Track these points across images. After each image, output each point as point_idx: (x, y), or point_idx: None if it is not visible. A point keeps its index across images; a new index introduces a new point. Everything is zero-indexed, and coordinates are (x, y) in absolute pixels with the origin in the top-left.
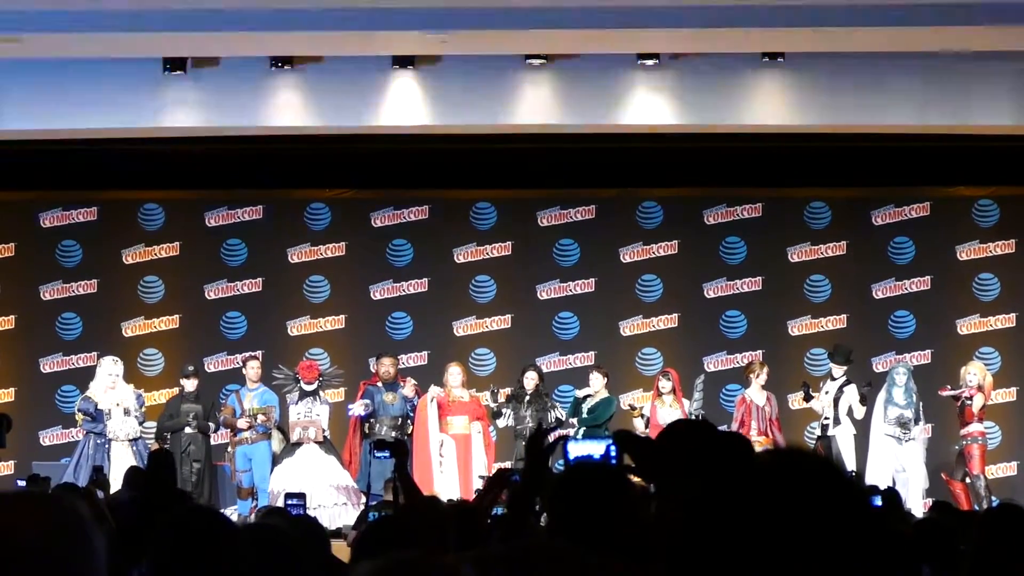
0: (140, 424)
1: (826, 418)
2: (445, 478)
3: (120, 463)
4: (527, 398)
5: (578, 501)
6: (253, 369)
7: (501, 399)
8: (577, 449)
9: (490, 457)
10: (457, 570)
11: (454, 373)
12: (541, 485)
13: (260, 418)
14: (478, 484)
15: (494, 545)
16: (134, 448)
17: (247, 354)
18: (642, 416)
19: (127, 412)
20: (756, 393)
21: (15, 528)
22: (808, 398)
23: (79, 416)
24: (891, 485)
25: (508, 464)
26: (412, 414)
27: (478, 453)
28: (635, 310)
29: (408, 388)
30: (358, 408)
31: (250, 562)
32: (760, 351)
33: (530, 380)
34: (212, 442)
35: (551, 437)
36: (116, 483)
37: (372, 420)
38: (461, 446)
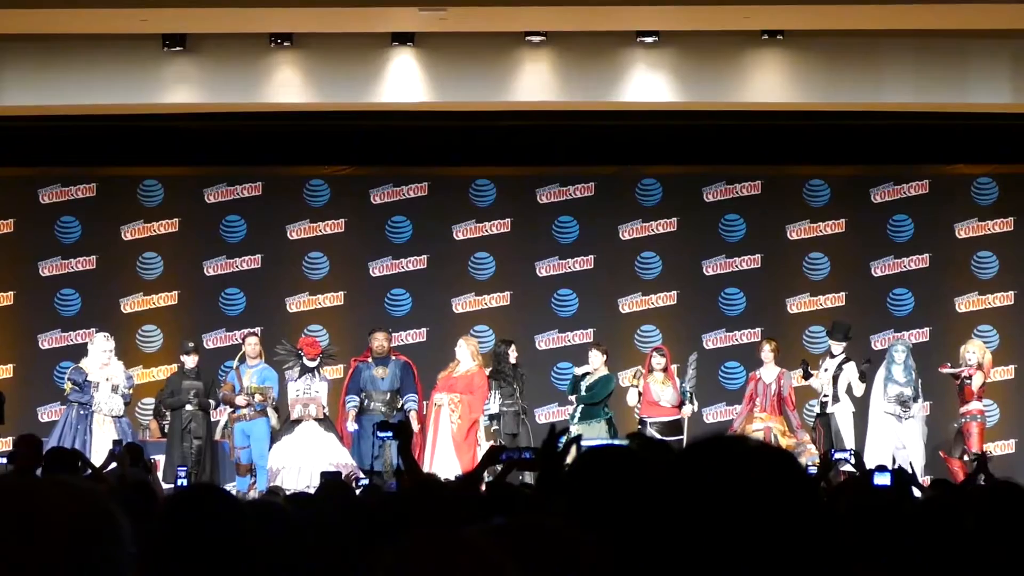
0: (126, 404)
1: (825, 395)
2: (425, 453)
3: (102, 437)
4: (502, 374)
5: (594, 481)
6: (252, 345)
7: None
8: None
9: (456, 436)
10: (482, 548)
11: (462, 347)
12: (557, 488)
13: (258, 397)
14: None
15: (493, 521)
16: (117, 425)
17: (246, 330)
18: (635, 387)
19: (115, 389)
20: (766, 370)
21: (42, 513)
22: (807, 376)
23: (68, 385)
24: (899, 464)
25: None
26: (398, 386)
27: (444, 429)
28: (634, 287)
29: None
30: (351, 425)
31: (252, 537)
32: (759, 328)
33: (511, 355)
34: (210, 419)
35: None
36: (95, 456)
37: (362, 395)
38: (435, 421)
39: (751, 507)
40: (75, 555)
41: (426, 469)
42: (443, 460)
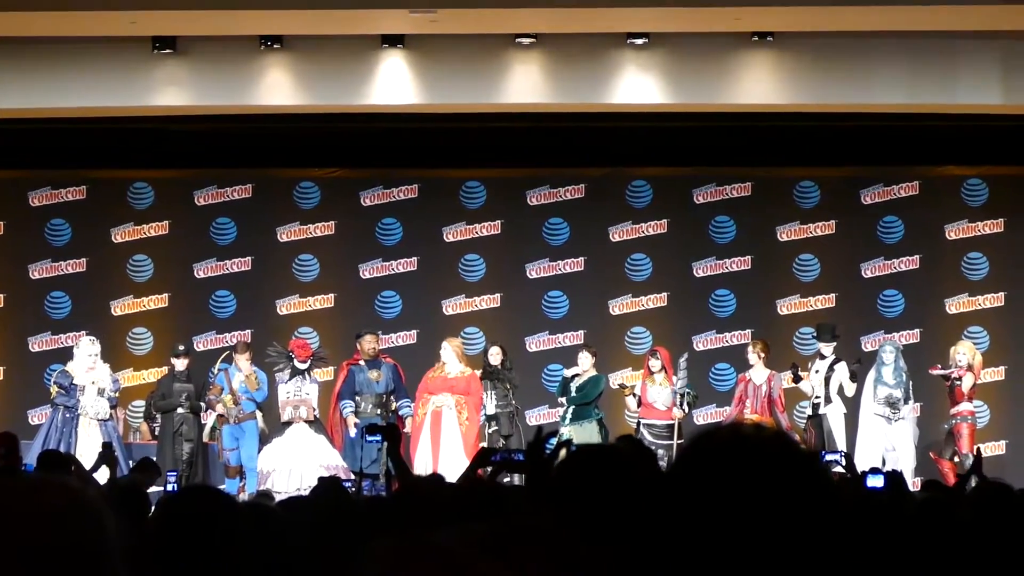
0: (112, 407)
1: (817, 397)
2: (420, 454)
3: (87, 440)
4: (496, 375)
5: (582, 481)
6: (243, 360)
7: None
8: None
9: (467, 437)
10: (452, 553)
11: (446, 349)
12: (545, 490)
13: (242, 406)
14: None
15: (477, 523)
16: (103, 428)
17: (237, 333)
18: (633, 395)
19: (101, 392)
20: (756, 372)
21: (26, 512)
22: (797, 379)
23: (54, 388)
24: (894, 467)
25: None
26: (391, 388)
27: (450, 430)
28: (624, 289)
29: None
30: (352, 430)
31: (246, 538)
32: (749, 330)
33: (494, 356)
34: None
35: (552, 444)
36: (84, 459)
37: (357, 398)
38: (435, 422)
39: (765, 509)
40: (60, 550)
41: (428, 472)
42: (451, 462)
